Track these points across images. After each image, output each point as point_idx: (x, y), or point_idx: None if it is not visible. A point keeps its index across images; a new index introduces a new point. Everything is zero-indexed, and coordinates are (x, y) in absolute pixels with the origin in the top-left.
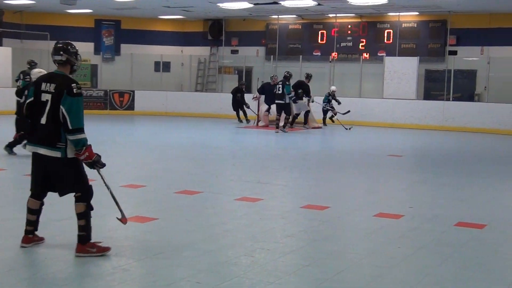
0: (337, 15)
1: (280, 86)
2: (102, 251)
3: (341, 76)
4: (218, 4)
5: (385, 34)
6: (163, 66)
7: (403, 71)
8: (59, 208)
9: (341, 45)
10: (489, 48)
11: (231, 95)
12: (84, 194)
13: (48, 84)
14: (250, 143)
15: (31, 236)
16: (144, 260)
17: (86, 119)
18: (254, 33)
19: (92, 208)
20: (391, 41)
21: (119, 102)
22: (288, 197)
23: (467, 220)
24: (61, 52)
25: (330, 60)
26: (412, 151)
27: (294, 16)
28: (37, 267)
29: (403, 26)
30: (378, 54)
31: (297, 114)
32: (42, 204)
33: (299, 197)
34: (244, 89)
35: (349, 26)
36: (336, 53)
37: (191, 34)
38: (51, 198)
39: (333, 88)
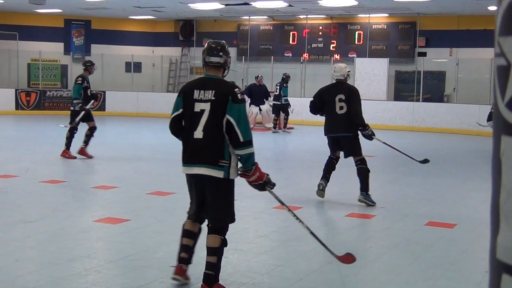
0: (308, 16)
1: (278, 87)
2: None
3: (312, 77)
4: (189, 5)
5: (356, 36)
6: (134, 67)
7: (373, 72)
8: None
9: (312, 46)
10: (457, 50)
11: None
12: (225, 227)
13: (203, 91)
14: None
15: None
16: (116, 262)
17: (58, 120)
18: (225, 34)
19: (226, 244)
20: (361, 42)
21: None
22: (259, 197)
23: (437, 219)
24: (221, 54)
25: (302, 61)
26: (383, 151)
27: (265, 17)
28: None
29: (373, 27)
30: (349, 55)
31: None
32: (200, 228)
33: (270, 197)
34: None
35: (320, 27)
36: (307, 54)
37: (162, 35)
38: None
39: None
